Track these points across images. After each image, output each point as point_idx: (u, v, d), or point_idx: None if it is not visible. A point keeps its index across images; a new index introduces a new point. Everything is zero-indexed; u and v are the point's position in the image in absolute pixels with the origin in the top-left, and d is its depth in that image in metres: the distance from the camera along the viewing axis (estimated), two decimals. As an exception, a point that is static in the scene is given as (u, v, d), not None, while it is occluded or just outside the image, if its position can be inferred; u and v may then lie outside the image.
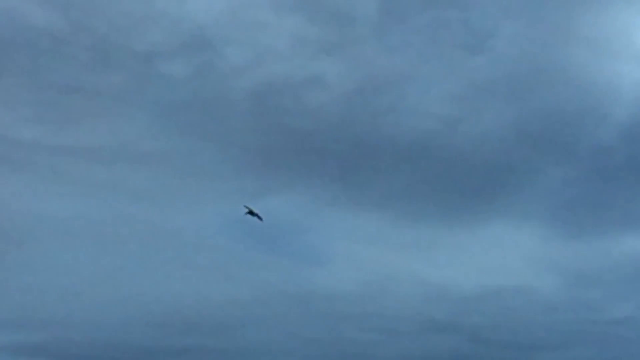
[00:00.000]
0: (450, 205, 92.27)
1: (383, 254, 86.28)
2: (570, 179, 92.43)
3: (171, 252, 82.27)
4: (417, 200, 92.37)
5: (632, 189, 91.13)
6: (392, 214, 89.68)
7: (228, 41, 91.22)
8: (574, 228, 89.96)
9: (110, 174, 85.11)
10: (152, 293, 78.52)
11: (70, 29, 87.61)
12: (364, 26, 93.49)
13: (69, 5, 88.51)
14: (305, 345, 79.00)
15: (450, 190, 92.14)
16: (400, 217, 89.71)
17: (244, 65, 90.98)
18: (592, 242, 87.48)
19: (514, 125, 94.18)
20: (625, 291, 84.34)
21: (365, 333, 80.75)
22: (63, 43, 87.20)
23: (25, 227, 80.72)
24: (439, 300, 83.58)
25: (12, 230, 79.77)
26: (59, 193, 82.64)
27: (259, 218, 65.28)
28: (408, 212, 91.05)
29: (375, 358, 79.80)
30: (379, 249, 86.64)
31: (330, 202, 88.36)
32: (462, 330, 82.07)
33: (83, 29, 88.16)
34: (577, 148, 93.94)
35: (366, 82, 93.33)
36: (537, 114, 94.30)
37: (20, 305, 75.24)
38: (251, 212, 64.79)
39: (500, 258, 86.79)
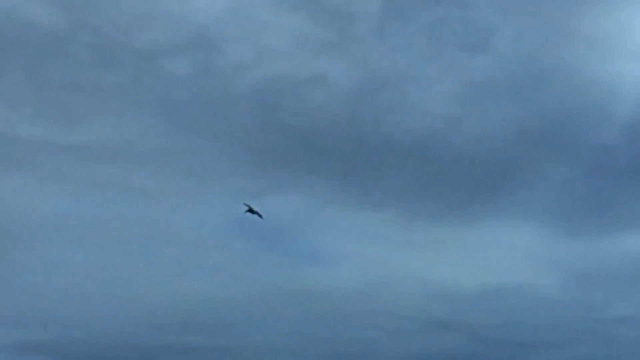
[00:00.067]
0: (451, 204, 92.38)
1: (384, 252, 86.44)
2: (572, 178, 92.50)
3: (172, 251, 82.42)
4: (419, 199, 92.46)
5: (634, 188, 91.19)
6: (394, 212, 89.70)
7: (230, 39, 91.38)
8: (575, 227, 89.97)
9: (111, 172, 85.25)
10: (153, 291, 78.70)
11: (71, 27, 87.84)
12: (366, 25, 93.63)
13: (71, 3, 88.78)
14: (307, 343, 79.05)
15: (452, 189, 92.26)
16: (402, 215, 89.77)
17: (245, 63, 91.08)
18: (594, 241, 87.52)
19: (516, 124, 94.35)
20: (626, 290, 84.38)
21: (367, 331, 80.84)
22: (64, 41, 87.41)
23: (26, 226, 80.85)
24: (441, 298, 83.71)
25: (13, 229, 79.91)
26: (60, 191, 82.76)
27: (259, 216, 65.21)
28: (409, 211, 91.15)
29: (376, 356, 79.90)
30: (381, 248, 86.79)
31: (332, 201, 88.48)
32: (464, 329, 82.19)
33: (84, 27, 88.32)
34: (578, 147, 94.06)
35: (368, 80, 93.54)
36: (539, 113, 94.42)
37: (21, 304, 75.30)
38: (251, 210, 64.74)
39: (501, 257, 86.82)
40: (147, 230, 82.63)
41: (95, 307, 76.54)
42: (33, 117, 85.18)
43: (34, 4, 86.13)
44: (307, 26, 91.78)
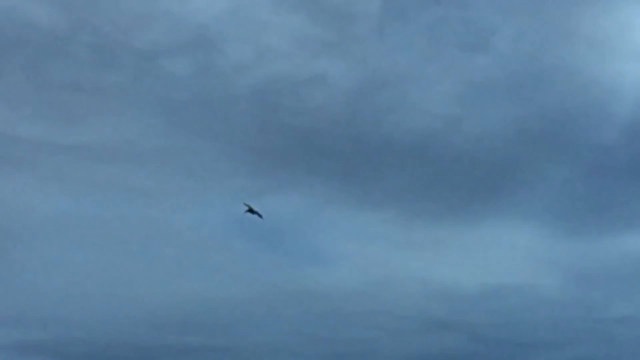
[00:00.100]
0: (451, 204, 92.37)
1: (385, 252, 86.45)
2: (572, 178, 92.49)
3: (172, 251, 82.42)
4: (419, 199, 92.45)
5: (634, 188, 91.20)
6: (394, 212, 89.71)
7: (230, 39, 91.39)
8: (575, 227, 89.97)
9: (111, 172, 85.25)
10: (153, 291, 78.69)
11: (71, 27, 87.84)
12: (366, 25, 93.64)
13: (71, 3, 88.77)
14: (307, 343, 79.03)
15: (452, 189, 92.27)
16: (402, 215, 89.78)
17: (245, 63, 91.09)
18: (594, 241, 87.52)
19: (516, 124, 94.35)
20: (627, 290, 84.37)
21: (367, 331, 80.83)
22: (64, 41, 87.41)
23: (27, 226, 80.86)
24: (441, 298, 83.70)
25: (13, 229, 79.91)
26: (60, 191, 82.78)
27: (259, 216, 65.18)
28: (409, 211, 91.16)
29: (376, 356, 79.89)
30: (381, 248, 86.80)
31: (332, 201, 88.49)
32: (464, 329, 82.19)
33: (84, 27, 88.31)
34: (579, 147, 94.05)
35: (368, 80, 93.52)
36: (539, 113, 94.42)
37: (21, 304, 75.34)
38: (251, 210, 64.71)
39: (502, 257, 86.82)
40: (147, 230, 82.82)
41: (96, 307, 76.67)
42: (33, 117, 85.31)
43: (34, 4, 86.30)
44: (307, 26, 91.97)
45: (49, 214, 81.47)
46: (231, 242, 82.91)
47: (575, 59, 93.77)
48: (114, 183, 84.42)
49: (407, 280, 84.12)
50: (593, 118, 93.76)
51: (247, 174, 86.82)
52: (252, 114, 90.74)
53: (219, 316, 79.10)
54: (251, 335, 78.95)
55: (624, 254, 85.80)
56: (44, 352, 73.86)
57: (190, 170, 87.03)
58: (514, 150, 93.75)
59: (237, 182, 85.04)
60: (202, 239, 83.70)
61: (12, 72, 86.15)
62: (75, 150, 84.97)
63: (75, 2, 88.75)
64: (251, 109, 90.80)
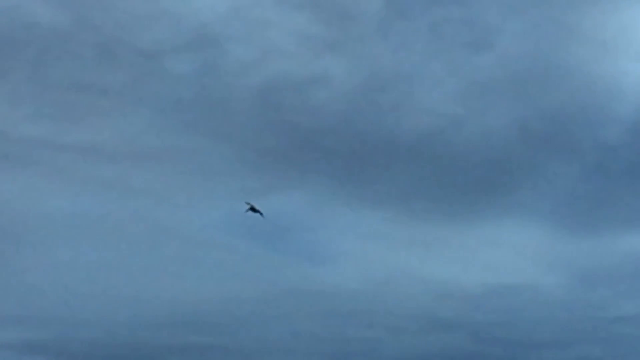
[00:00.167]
0: (454, 203, 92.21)
1: (387, 251, 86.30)
2: (575, 177, 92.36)
3: (175, 250, 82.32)
4: (422, 198, 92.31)
5: (638, 187, 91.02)
6: (397, 211, 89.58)
7: (233, 39, 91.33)
8: (579, 226, 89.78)
9: (113, 172, 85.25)
10: (156, 291, 78.49)
11: (74, 26, 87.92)
12: (368, 24, 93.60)
13: (73, 2, 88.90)
14: (309, 343, 78.85)
15: (455, 188, 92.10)
16: (405, 214, 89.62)
17: (248, 63, 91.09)
18: (598, 240, 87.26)
19: (519, 123, 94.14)
20: (631, 289, 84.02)
21: (370, 331, 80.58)
22: (67, 40, 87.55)
23: (29, 225, 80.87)
24: (444, 298, 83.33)
25: (15, 228, 79.90)
26: (63, 191, 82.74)
27: (261, 214, 65.04)
28: (412, 210, 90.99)
29: (379, 356, 79.57)
30: (383, 247, 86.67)
31: (334, 200, 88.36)
32: (467, 328, 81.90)
33: (87, 26, 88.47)
34: (582, 146, 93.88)
35: (371, 79, 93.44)
36: (542, 112, 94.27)
37: (23, 303, 75.17)
38: (252, 209, 64.56)
39: (505, 256, 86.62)
40: (150, 229, 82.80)
41: (98, 305, 76.48)
42: (36, 116, 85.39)
43: (36, 2, 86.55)
44: (310, 25, 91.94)
45: (52, 213, 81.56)
46: (233, 241, 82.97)
47: (578, 58, 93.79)
48: (117, 182, 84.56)
49: (409, 279, 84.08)
50: (596, 117, 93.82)
51: (250, 173, 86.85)
52: (255, 113, 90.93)
53: (220, 315, 79.05)
54: (253, 334, 78.85)
55: (628, 252, 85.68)
56: (47, 351, 73.91)
57: (193, 169, 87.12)
58: (516, 149, 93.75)
59: (239, 181, 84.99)
60: (206, 238, 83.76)
61: (14, 71, 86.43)
62: (77, 150, 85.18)
63: (78, 1, 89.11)
64: (254, 108, 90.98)
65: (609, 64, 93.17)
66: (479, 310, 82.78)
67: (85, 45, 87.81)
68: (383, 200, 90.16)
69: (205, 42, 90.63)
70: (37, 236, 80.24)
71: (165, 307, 77.50)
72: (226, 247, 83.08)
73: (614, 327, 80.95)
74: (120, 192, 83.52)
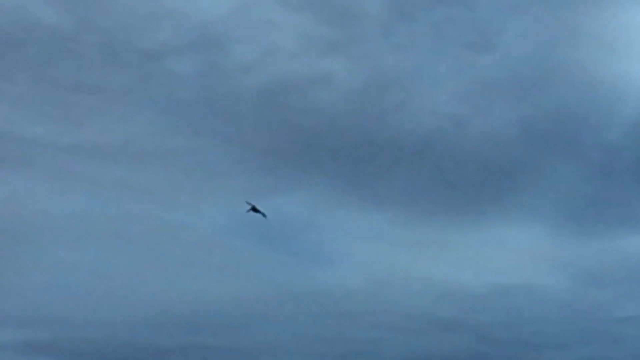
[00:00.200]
0: (457, 204, 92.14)
1: (390, 252, 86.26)
2: (578, 178, 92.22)
3: (178, 251, 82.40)
4: (425, 198, 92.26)
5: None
6: (400, 212, 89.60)
7: (235, 39, 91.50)
8: (581, 227, 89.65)
9: (116, 172, 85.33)
10: (157, 291, 78.56)
11: (76, 26, 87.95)
12: (371, 24, 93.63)
13: (76, 3, 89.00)
14: (312, 343, 78.78)
15: (458, 188, 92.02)
16: (408, 215, 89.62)
17: (250, 63, 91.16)
18: (601, 241, 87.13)
19: (521, 123, 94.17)
20: (633, 290, 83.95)
21: (373, 331, 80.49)
22: (69, 41, 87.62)
23: (31, 225, 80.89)
24: (447, 298, 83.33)
25: (17, 228, 79.99)
26: (65, 191, 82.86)
27: (263, 215, 64.99)
28: (415, 211, 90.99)
29: (382, 356, 79.61)
30: (386, 248, 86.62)
31: (337, 200, 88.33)
32: (470, 329, 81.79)
33: (90, 26, 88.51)
34: (585, 146, 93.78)
35: (373, 80, 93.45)
36: (545, 112, 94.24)
37: (26, 304, 75.23)
38: (254, 209, 64.51)
39: (508, 256, 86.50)
40: (152, 230, 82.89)
41: (101, 305, 76.58)
42: (39, 116, 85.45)
43: (39, 3, 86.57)
44: (313, 26, 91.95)
45: (54, 213, 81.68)
46: (235, 242, 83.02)
47: (581, 59, 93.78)
48: (120, 183, 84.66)
49: (412, 280, 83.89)
50: (599, 118, 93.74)
51: (252, 174, 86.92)
52: (257, 114, 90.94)
53: (222, 316, 79.02)
54: (257, 334, 78.81)
55: (631, 253, 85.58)
56: (47, 351, 73.96)
57: (196, 170, 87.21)
58: (519, 150, 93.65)
59: (243, 182, 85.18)
60: (208, 238, 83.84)
61: (17, 72, 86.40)
62: (79, 150, 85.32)
63: (81, 2, 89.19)
64: (257, 109, 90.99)
65: (612, 65, 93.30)
66: (481, 311, 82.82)
67: (88, 46, 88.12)
68: (385, 200, 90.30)
69: (207, 43, 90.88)
70: (37, 236, 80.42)
71: (169, 308, 77.64)
72: (228, 247, 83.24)
73: (617, 328, 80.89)
74: (121, 193, 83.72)
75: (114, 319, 75.85)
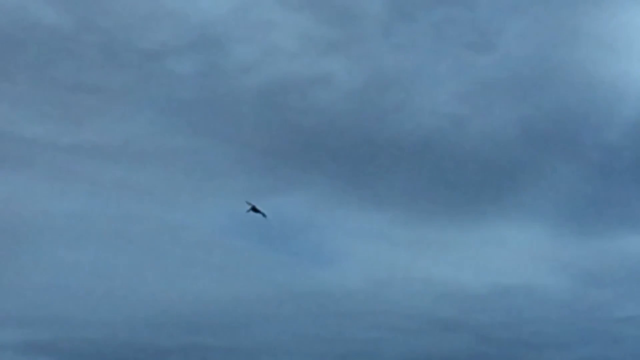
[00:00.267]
0: (457, 204, 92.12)
1: (391, 252, 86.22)
2: (579, 178, 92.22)
3: (178, 251, 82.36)
4: (425, 198, 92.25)
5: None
6: (400, 212, 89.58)
7: (235, 39, 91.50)
8: (582, 227, 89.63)
9: (116, 172, 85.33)
10: (158, 291, 78.54)
11: (76, 26, 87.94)
12: (371, 24, 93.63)
13: (76, 3, 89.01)
14: (312, 343, 78.74)
15: (458, 188, 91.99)
16: (408, 215, 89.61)
17: (250, 63, 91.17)
18: (601, 241, 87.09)
19: (521, 123, 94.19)
20: (634, 290, 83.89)
21: (373, 331, 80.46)
22: (69, 41, 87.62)
23: (31, 225, 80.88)
24: (446, 298, 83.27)
25: (18, 228, 79.96)
26: (65, 191, 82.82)
27: (263, 215, 64.97)
28: (416, 211, 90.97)
29: (382, 356, 79.57)
30: (387, 248, 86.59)
31: (337, 200, 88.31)
32: (470, 329, 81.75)
33: (90, 26, 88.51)
34: (585, 147, 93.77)
35: (373, 80, 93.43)
36: (545, 112, 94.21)
37: (26, 304, 75.20)
38: (254, 209, 64.47)
39: (508, 257, 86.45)
40: (152, 230, 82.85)
41: (101, 305, 76.56)
42: (39, 116, 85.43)
43: (39, 3, 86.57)
44: (313, 26, 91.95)
45: (54, 214, 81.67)
46: (235, 242, 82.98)
47: (581, 59, 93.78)
48: (120, 183, 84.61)
49: (412, 280, 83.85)
50: (599, 118, 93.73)
51: (252, 174, 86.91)
52: (257, 114, 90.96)
53: (225, 315, 79.01)
54: (257, 334, 78.80)
55: (631, 253, 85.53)
56: (47, 351, 73.94)
57: (196, 170, 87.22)
58: (519, 150, 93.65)
59: (243, 182, 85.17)
60: (208, 238, 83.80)
61: (17, 72, 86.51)
62: (80, 150, 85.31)
63: (81, 2, 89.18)
64: (257, 109, 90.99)
65: (612, 65, 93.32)
66: (481, 311, 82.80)
67: (88, 46, 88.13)
68: (385, 200, 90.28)
69: (207, 43, 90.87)
70: (37, 236, 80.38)
71: (169, 308, 77.61)
72: (228, 247, 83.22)
73: (617, 328, 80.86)
74: (121, 193, 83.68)
75: (114, 319, 75.87)
